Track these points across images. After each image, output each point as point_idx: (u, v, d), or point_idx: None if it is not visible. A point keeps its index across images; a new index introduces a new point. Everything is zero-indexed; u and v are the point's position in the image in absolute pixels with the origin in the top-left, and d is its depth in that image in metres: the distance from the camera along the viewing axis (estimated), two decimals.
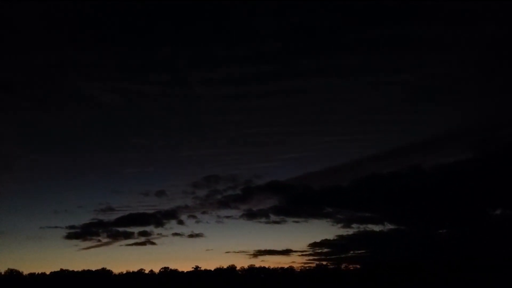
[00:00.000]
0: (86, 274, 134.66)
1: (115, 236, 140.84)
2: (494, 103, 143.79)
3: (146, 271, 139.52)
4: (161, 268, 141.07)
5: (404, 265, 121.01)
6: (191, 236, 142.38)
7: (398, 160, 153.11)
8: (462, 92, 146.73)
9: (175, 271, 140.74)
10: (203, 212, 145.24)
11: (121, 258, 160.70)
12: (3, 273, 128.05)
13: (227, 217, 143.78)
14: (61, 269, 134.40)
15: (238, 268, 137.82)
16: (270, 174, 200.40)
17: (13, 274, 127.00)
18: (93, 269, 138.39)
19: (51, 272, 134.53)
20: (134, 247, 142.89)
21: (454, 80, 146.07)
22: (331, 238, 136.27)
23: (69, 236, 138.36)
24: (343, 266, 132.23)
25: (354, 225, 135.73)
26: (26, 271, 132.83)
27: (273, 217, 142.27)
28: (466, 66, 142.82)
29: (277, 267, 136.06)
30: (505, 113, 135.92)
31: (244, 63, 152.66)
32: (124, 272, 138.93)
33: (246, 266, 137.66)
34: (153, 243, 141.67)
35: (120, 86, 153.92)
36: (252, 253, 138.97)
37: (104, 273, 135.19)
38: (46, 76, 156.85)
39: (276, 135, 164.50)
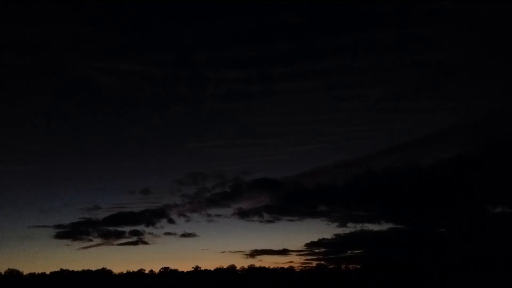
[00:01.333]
0: (86, 274, 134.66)
1: (107, 236, 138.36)
2: (496, 95, 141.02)
3: (146, 271, 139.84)
4: (161, 268, 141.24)
5: (403, 264, 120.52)
6: (184, 235, 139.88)
7: (393, 156, 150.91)
8: (461, 83, 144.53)
9: (175, 271, 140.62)
10: (193, 211, 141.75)
11: (116, 258, 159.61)
12: (3, 273, 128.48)
13: (218, 215, 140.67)
14: (61, 269, 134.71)
15: (238, 268, 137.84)
16: (258, 171, 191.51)
17: (13, 274, 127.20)
18: (93, 269, 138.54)
19: (51, 272, 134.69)
20: (127, 246, 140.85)
21: (451, 71, 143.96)
22: (328, 238, 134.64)
23: (59, 236, 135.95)
24: (343, 266, 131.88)
25: (350, 224, 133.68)
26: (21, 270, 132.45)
27: (266, 216, 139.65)
28: (465, 57, 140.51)
29: (277, 267, 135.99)
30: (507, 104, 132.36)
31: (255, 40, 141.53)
32: (124, 272, 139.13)
33: (246, 266, 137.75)
34: (145, 243, 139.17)
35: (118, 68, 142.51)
36: (248, 253, 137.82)
37: (105, 273, 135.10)
38: (36, 54, 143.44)
39: (268, 128, 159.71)
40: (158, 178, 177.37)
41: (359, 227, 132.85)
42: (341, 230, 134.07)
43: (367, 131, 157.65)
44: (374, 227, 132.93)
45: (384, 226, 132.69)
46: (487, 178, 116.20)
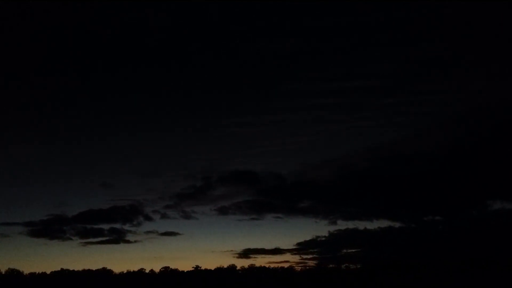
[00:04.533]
0: (88, 274, 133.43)
1: (85, 234, 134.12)
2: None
3: (147, 271, 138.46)
4: (161, 268, 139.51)
5: (402, 263, 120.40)
6: (166, 234, 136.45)
7: (386, 150, 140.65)
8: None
9: (176, 270, 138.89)
10: (167, 207, 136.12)
11: (98, 257, 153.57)
12: (3, 272, 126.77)
13: (194, 212, 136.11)
14: (62, 269, 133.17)
15: (238, 268, 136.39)
16: (232, 164, 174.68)
17: (13, 274, 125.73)
18: (94, 269, 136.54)
19: (51, 272, 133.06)
20: (110, 246, 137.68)
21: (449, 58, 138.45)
22: (320, 236, 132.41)
23: (34, 234, 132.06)
24: (343, 266, 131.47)
25: (340, 222, 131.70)
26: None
27: (249, 213, 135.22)
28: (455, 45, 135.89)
29: (278, 267, 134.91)
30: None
31: None
32: (125, 271, 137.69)
33: (246, 266, 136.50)
34: (128, 242, 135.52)
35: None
36: (240, 252, 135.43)
37: (105, 273, 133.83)
38: None
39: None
40: (121, 170, 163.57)
41: (350, 224, 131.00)
42: (333, 228, 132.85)
43: (356, 123, 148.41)
44: (367, 225, 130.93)
45: (377, 224, 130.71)
46: (486, 170, 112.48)
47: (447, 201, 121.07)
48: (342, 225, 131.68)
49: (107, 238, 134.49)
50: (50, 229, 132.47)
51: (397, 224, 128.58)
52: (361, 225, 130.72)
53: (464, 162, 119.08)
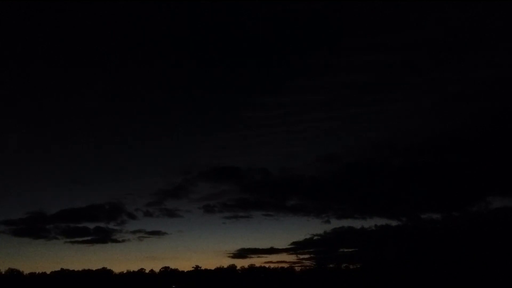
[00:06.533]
0: (87, 273, 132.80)
1: (70, 234, 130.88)
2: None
3: (147, 271, 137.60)
4: (161, 268, 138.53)
5: (399, 263, 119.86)
6: (153, 233, 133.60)
7: (381, 144, 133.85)
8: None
9: (176, 270, 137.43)
10: (148, 204, 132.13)
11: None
12: (3, 272, 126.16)
13: (178, 209, 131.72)
14: (62, 269, 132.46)
15: (238, 267, 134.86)
16: (214, 159, 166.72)
17: (13, 274, 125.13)
18: (94, 269, 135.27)
19: (51, 272, 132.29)
20: (99, 245, 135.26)
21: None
22: (315, 235, 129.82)
23: (16, 233, 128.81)
24: (343, 266, 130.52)
25: (333, 221, 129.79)
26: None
27: (236, 211, 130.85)
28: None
29: (278, 267, 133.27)
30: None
31: None
32: (125, 271, 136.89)
33: (246, 266, 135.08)
34: (116, 241, 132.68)
35: None
36: (234, 252, 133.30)
37: (105, 273, 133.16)
38: None
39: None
40: (96, 167, 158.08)
41: (345, 223, 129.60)
42: (328, 227, 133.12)
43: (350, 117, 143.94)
44: (364, 224, 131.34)
45: (373, 222, 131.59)
46: (486, 166, 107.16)
47: (446, 198, 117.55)
48: (337, 223, 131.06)
49: (93, 237, 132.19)
50: (33, 228, 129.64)
51: (393, 223, 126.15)
52: (356, 223, 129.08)
53: (463, 157, 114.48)
